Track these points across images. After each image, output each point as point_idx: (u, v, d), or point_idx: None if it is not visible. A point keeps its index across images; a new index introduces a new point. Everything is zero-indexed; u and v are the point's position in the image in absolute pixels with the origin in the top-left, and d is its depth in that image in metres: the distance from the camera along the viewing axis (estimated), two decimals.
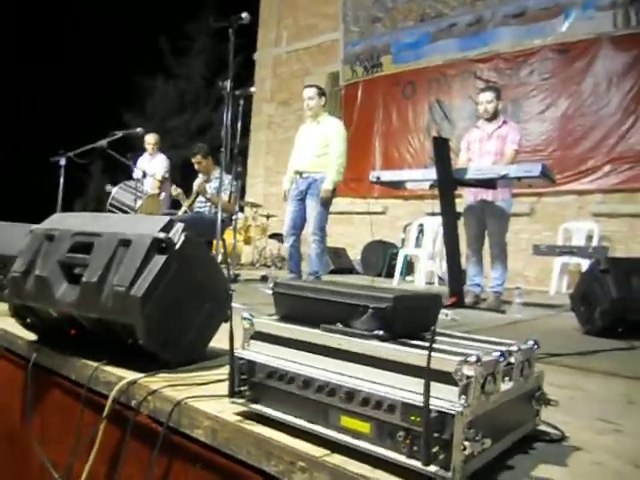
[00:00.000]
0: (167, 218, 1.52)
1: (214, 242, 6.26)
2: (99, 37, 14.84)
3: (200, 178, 5.49)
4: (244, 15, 3.45)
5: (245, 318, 1.14)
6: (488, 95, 4.30)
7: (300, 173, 4.69)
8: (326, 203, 4.63)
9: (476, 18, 8.10)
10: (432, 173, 4.01)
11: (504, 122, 4.34)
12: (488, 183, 3.91)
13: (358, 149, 9.45)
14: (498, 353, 0.91)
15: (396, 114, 8.95)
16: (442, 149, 3.82)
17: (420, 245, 7.24)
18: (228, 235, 6.66)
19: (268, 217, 9.28)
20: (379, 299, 1.02)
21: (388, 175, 4.28)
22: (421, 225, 7.29)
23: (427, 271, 6.75)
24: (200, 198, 5.30)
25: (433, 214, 8.13)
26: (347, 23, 9.67)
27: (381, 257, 8.29)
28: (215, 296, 1.62)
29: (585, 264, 6.37)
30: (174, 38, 15.63)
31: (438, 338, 1.10)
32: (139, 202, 6.44)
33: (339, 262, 8.62)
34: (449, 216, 3.88)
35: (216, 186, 5.30)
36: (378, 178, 4.24)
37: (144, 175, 6.95)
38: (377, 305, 1.01)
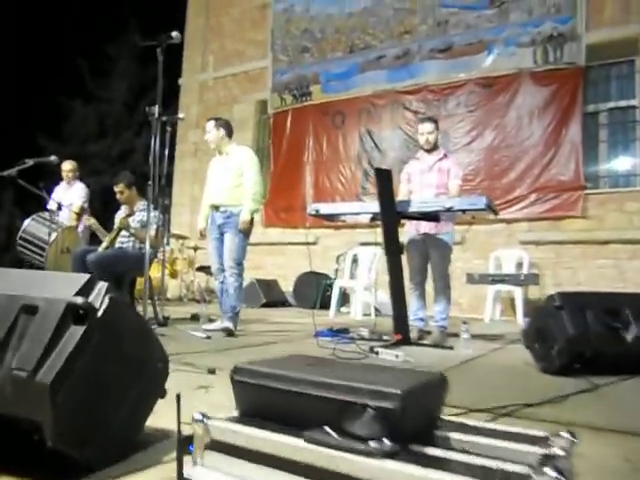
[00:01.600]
0: (85, 276, 1.19)
1: (138, 279, 5.80)
2: (12, 55, 13.87)
3: (122, 211, 5.05)
4: (174, 34, 3.17)
5: (197, 420, 0.85)
6: (428, 126, 4.24)
7: (217, 207, 4.42)
8: (245, 235, 4.38)
9: (404, 51, 8.23)
10: (373, 206, 3.86)
11: (445, 155, 4.29)
12: (432, 216, 3.80)
13: (288, 178, 9.29)
14: (554, 474, 0.68)
15: (326, 143, 8.88)
16: (385, 181, 3.67)
17: (355, 276, 7.10)
18: (154, 269, 6.21)
19: (195, 249, 8.83)
20: (382, 395, 0.77)
21: (327, 208, 4.08)
22: (355, 255, 7.16)
23: (363, 302, 6.59)
24: (123, 232, 4.85)
25: (367, 244, 8.09)
26: (275, 52, 9.57)
27: (315, 288, 8.06)
28: (149, 369, 1.31)
29: (517, 291, 6.50)
30: (94, 59, 14.93)
31: (449, 434, 0.86)
32: (54, 235, 5.87)
33: (271, 295, 8.31)
34: (393, 251, 3.72)
35: (140, 219, 4.90)
36: (317, 211, 4.03)
37: (59, 207, 6.38)
38: (381, 404, 0.76)
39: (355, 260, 7.12)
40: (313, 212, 4.05)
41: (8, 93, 12.88)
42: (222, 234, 4.40)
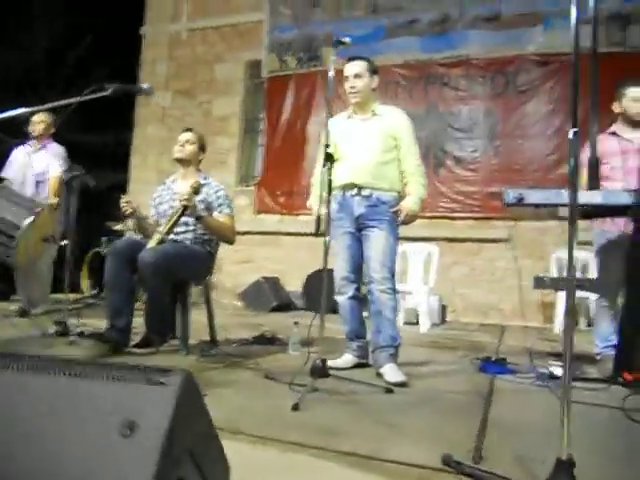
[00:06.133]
0: None
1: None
2: None
3: (180, 181, 3.46)
4: None
5: None
6: None
7: (354, 188, 3.04)
8: (397, 232, 3.08)
9: (441, 16, 7.10)
10: (620, 195, 2.72)
11: None
12: None
13: (288, 156, 7.85)
14: None
15: None
16: None
17: (402, 279, 5.91)
18: None
19: None
20: None
21: (537, 196, 2.82)
22: (402, 252, 5.96)
23: (428, 311, 5.41)
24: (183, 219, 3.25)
25: (414, 239, 6.86)
26: (274, 3, 8.02)
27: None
28: None
29: (593, 297, 5.68)
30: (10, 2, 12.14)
31: None
32: (31, 217, 4.09)
33: (279, 296, 6.90)
34: None
35: (203, 199, 3.36)
36: (520, 200, 2.77)
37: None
38: None
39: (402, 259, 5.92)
40: (513, 200, 2.78)
41: None
42: (360, 230, 3.02)
